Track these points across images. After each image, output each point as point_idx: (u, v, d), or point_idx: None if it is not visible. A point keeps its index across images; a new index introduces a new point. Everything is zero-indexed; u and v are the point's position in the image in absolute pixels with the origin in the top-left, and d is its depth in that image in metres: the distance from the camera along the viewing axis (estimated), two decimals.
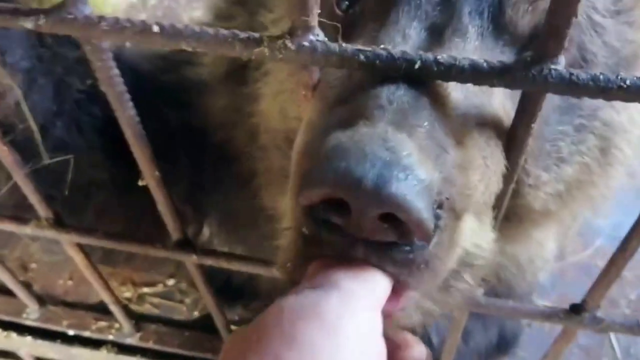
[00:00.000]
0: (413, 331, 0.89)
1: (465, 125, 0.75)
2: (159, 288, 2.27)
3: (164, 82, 1.29)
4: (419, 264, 0.68)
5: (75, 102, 1.17)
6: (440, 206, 0.68)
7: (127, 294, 2.19)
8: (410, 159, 0.63)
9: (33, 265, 2.36)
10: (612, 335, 2.13)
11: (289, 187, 0.74)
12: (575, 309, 1.08)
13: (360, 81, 0.73)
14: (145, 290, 2.27)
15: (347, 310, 0.60)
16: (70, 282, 2.30)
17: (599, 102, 1.00)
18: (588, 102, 0.98)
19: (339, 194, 0.61)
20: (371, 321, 0.62)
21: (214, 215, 1.52)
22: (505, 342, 2.01)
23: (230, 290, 1.84)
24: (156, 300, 2.23)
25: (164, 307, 2.15)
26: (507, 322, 1.93)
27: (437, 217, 0.68)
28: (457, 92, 0.74)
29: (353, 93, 0.72)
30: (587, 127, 0.99)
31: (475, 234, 0.82)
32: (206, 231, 1.55)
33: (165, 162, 0.99)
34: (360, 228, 0.64)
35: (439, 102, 0.71)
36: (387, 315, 0.69)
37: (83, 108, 1.18)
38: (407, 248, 0.67)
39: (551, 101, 0.94)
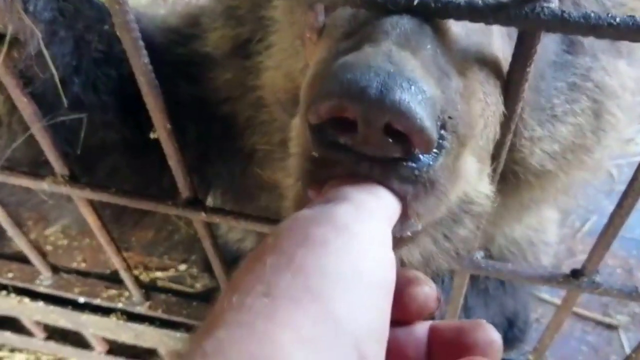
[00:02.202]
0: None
1: (466, 59, 0.77)
2: (171, 272, 2.31)
3: (176, 55, 1.33)
4: (424, 182, 0.70)
5: (93, 61, 1.21)
6: (443, 126, 0.70)
7: (139, 278, 2.23)
8: (413, 73, 0.65)
9: (48, 248, 2.43)
10: (622, 333, 2.11)
11: (298, 113, 0.76)
12: (575, 274, 1.10)
13: (365, 17, 0.76)
14: (158, 274, 2.31)
15: (359, 216, 0.61)
16: (83, 265, 2.36)
17: (592, 62, 1.04)
18: (582, 61, 1.01)
19: (345, 103, 0.64)
20: (382, 230, 0.63)
21: (218, 186, 1.56)
22: (513, 336, 2.00)
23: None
24: (167, 284, 2.27)
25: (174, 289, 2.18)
26: (516, 312, 1.92)
27: (441, 138, 0.69)
28: (458, 27, 0.76)
29: (359, 27, 0.75)
30: (580, 87, 1.02)
31: (476, 179, 0.84)
32: (209, 202, 1.58)
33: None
34: (366, 143, 0.66)
35: (440, 33, 0.74)
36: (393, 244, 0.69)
37: (100, 67, 1.23)
38: (412, 164, 0.68)
39: (546, 55, 0.96)
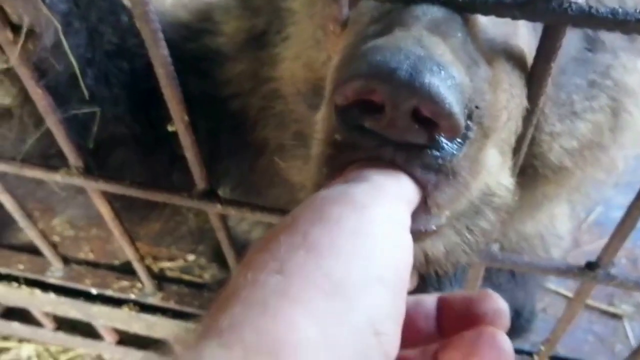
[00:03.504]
0: (437, 269, 0.89)
1: (494, 49, 0.77)
2: (179, 263, 2.31)
3: (187, 50, 1.32)
4: (447, 172, 0.69)
5: (106, 54, 1.20)
6: (469, 116, 0.69)
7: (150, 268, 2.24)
8: (444, 58, 0.65)
9: (56, 238, 2.43)
10: (627, 324, 2.13)
11: (324, 100, 0.76)
12: (590, 266, 1.10)
13: (393, 6, 0.76)
14: (166, 264, 2.31)
15: (377, 196, 0.61)
16: (91, 255, 2.36)
17: (612, 60, 1.04)
18: (602, 58, 1.01)
19: (373, 84, 0.63)
20: (400, 211, 0.62)
21: (228, 182, 1.56)
22: (519, 325, 2.01)
23: None
24: (176, 274, 2.28)
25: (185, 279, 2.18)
26: (523, 299, 1.93)
27: (466, 127, 0.69)
28: (486, 20, 0.76)
29: (387, 14, 0.75)
30: (599, 84, 1.02)
31: (498, 172, 0.84)
32: None
33: None
34: (392, 126, 0.65)
35: (470, 23, 0.74)
36: (415, 236, 0.69)
37: (112, 61, 1.22)
38: (437, 153, 0.68)
39: (568, 51, 0.96)
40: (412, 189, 0.68)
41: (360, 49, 0.67)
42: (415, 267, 0.85)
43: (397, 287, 0.58)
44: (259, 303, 0.50)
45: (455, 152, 0.69)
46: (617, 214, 1.01)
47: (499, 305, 0.78)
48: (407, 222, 0.63)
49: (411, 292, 0.70)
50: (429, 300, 0.83)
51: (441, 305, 0.82)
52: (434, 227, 0.76)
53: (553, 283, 2.22)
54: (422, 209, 0.71)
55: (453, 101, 0.63)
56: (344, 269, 0.53)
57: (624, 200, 1.16)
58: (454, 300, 0.82)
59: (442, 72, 0.63)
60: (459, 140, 0.69)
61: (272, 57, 1.21)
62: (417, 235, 0.73)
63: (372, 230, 0.57)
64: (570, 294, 2.11)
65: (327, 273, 0.53)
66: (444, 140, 0.68)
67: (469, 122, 0.69)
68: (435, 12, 0.70)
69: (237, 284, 0.53)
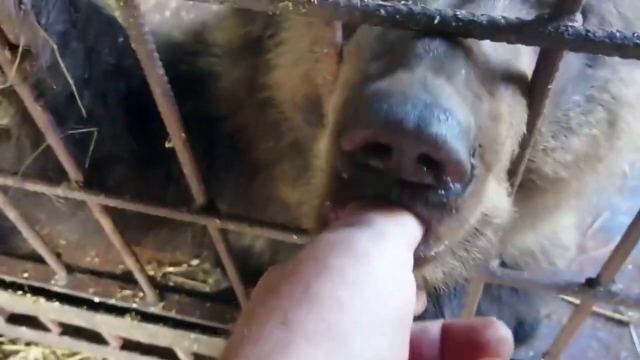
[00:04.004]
0: (434, 289, 0.89)
1: (495, 78, 0.76)
2: (183, 268, 2.32)
3: (180, 71, 1.32)
4: (450, 209, 0.70)
5: (103, 73, 1.20)
6: (473, 154, 0.70)
7: (151, 273, 2.24)
8: (449, 102, 0.64)
9: (62, 242, 2.44)
10: (633, 330, 2.11)
11: (327, 135, 0.76)
12: (590, 283, 1.09)
13: (395, 37, 0.75)
14: (170, 269, 2.32)
15: (378, 244, 0.61)
16: (97, 259, 2.37)
17: (611, 74, 1.03)
18: (601, 73, 1.00)
19: (381, 135, 0.63)
20: (401, 257, 0.63)
21: (224, 202, 1.55)
22: (523, 332, 2.01)
23: (248, 273, 1.88)
24: (179, 279, 2.28)
25: (187, 287, 2.19)
26: (526, 313, 1.93)
27: (472, 166, 0.69)
28: (488, 47, 0.75)
29: (389, 48, 0.74)
30: (596, 99, 1.01)
31: (495, 195, 0.84)
32: None
33: None
34: (399, 169, 0.66)
35: (472, 54, 0.73)
36: (414, 262, 0.69)
37: (110, 80, 1.22)
38: (442, 192, 0.68)
39: (568, 71, 0.95)
40: (415, 228, 0.69)
41: (365, 93, 0.67)
42: (419, 287, 0.86)
43: (399, 333, 0.59)
44: (263, 359, 0.51)
45: (460, 191, 0.70)
46: (624, 219, 1.01)
47: (502, 333, 0.78)
48: (409, 264, 0.63)
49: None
50: (434, 327, 0.83)
51: (445, 332, 0.82)
52: (433, 254, 0.76)
53: None
54: (423, 239, 0.72)
55: (460, 148, 0.63)
56: (345, 323, 0.54)
57: (630, 205, 1.16)
58: (458, 328, 0.81)
59: (450, 119, 0.63)
60: (465, 180, 0.69)
61: (266, 63, 1.21)
62: (417, 261, 0.74)
63: (374, 282, 0.57)
64: (575, 300, 2.10)
65: (329, 327, 0.53)
66: (450, 180, 0.68)
67: (473, 161, 0.70)
68: (437, 47, 0.70)
69: (242, 336, 0.54)
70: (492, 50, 0.76)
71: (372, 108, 0.64)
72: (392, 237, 0.64)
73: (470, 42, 0.73)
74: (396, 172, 0.66)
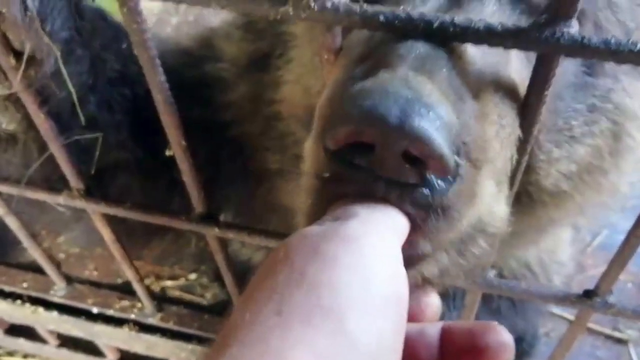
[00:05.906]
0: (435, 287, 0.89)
1: (481, 81, 0.77)
2: (181, 282, 2.31)
3: (187, 77, 1.33)
4: (436, 208, 0.70)
5: (109, 80, 1.21)
6: (458, 152, 0.70)
7: (150, 286, 2.24)
8: (431, 98, 0.65)
9: (61, 256, 2.44)
10: (632, 348, 2.10)
11: (312, 134, 0.76)
12: (588, 294, 1.09)
13: (381, 40, 0.76)
14: (168, 283, 2.32)
15: (367, 232, 0.61)
16: (95, 273, 2.36)
17: (613, 83, 1.03)
18: (602, 82, 1.00)
19: (363, 130, 0.64)
20: (392, 245, 0.63)
21: (228, 209, 1.56)
22: (522, 349, 1.99)
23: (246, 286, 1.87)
24: (177, 293, 2.28)
25: (185, 300, 2.18)
26: (525, 328, 1.92)
27: (456, 164, 0.69)
28: (474, 49, 0.76)
29: (374, 50, 0.76)
30: (599, 109, 1.01)
31: (493, 202, 0.84)
32: None
33: None
34: (383, 166, 0.66)
35: (456, 56, 0.74)
36: (408, 261, 0.68)
37: (115, 87, 1.23)
38: (427, 191, 0.68)
39: (565, 77, 0.96)
40: (402, 221, 0.68)
41: (348, 91, 0.67)
42: (417, 284, 0.85)
43: (396, 320, 0.58)
44: (259, 344, 0.50)
45: (445, 190, 0.70)
46: (623, 238, 1.00)
47: (503, 338, 0.77)
48: (399, 254, 0.63)
49: None
50: (433, 329, 0.82)
51: (444, 335, 0.81)
52: (422, 253, 0.76)
53: (557, 307, 2.20)
54: (411, 237, 0.71)
55: (442, 142, 0.64)
56: (342, 308, 0.53)
57: (630, 224, 1.15)
58: (458, 331, 0.81)
59: (430, 113, 0.64)
60: (449, 177, 0.70)
61: (274, 79, 1.22)
62: (411, 260, 0.74)
63: (367, 267, 0.57)
64: (572, 317, 2.09)
65: (327, 312, 0.53)
66: (434, 178, 0.68)
67: (457, 159, 0.70)
68: (419, 48, 0.71)
69: (236, 323, 0.53)
70: (477, 53, 0.77)
71: (355, 104, 0.64)
72: (380, 225, 0.64)
73: (454, 45, 0.75)
74: (380, 170, 0.67)
